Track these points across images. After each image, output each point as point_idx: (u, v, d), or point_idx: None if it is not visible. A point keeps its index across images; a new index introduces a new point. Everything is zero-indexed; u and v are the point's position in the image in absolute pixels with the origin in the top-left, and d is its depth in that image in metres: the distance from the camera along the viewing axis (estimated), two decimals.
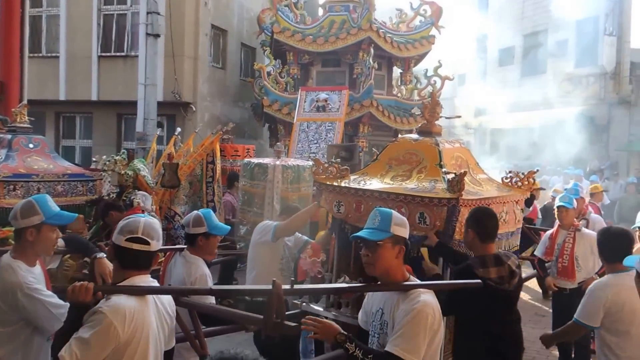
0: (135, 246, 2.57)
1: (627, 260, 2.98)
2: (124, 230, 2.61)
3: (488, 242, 3.58)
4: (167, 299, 2.78)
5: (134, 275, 2.61)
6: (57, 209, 3.24)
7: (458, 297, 3.39)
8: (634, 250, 3.91)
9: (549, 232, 6.25)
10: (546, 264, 6.18)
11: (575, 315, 3.79)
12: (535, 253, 6.35)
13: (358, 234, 2.85)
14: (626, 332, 3.60)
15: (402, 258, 2.80)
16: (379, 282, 2.87)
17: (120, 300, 2.47)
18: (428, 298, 2.70)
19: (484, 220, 3.60)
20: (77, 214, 3.78)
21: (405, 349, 2.57)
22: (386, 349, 2.63)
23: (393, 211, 2.89)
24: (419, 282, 2.87)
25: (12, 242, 4.41)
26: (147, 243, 2.59)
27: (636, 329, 3.58)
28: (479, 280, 3.16)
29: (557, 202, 6.14)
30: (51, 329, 2.94)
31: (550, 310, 8.22)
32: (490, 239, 3.59)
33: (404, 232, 2.81)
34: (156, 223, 2.71)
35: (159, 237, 2.67)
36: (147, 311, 2.55)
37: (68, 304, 3.03)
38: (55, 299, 3.03)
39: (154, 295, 2.66)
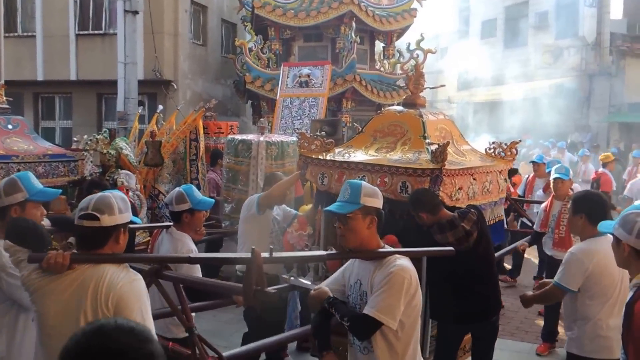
0: (86, 223, 2.40)
1: (602, 226, 3.00)
2: (78, 209, 2.49)
3: (438, 212, 3.74)
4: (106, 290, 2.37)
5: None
6: (41, 185, 3.21)
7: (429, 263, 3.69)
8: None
9: (543, 205, 6.28)
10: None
11: (555, 279, 3.77)
12: (534, 227, 6.34)
13: (329, 207, 2.90)
14: (602, 294, 3.62)
15: (376, 228, 2.82)
16: None
17: None
18: (404, 263, 2.74)
19: (423, 200, 3.78)
20: (60, 190, 3.72)
21: (381, 311, 2.62)
22: (363, 311, 2.68)
23: (363, 182, 2.91)
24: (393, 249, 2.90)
25: None
26: (96, 218, 2.39)
27: (611, 293, 3.60)
28: (451, 248, 3.21)
29: (553, 174, 6.18)
30: None
31: (533, 280, 8.40)
32: (437, 209, 3.75)
33: (376, 203, 2.82)
34: (118, 196, 2.53)
35: (118, 210, 2.44)
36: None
37: None
38: None
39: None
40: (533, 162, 8.53)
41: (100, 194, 2.50)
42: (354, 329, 2.76)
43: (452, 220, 3.66)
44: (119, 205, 2.46)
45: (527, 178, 8.60)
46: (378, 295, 2.66)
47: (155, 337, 1.43)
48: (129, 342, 1.31)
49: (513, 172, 8.25)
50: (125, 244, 2.55)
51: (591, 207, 3.71)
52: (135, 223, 2.97)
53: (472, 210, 3.81)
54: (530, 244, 6.66)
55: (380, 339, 2.69)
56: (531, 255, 8.70)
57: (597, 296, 3.62)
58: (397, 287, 2.65)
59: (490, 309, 4.00)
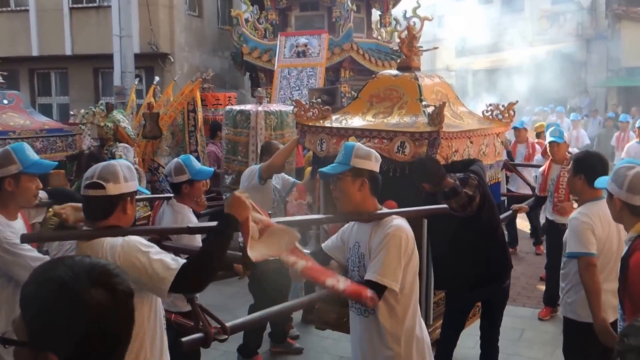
0: (91, 192, 2.38)
1: (599, 182, 2.99)
2: (84, 179, 2.45)
3: (441, 182, 3.67)
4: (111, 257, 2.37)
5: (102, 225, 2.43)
6: (36, 157, 3.11)
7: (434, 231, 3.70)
8: None
9: (541, 169, 6.23)
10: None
11: (570, 250, 3.53)
12: (535, 192, 6.25)
13: (322, 169, 2.90)
14: (602, 259, 3.48)
15: (369, 190, 2.78)
16: None
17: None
18: (400, 222, 2.74)
19: (428, 171, 3.71)
20: (56, 162, 3.66)
21: (383, 274, 2.62)
22: (365, 277, 2.68)
23: (358, 144, 2.89)
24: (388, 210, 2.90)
25: None
26: (102, 187, 2.37)
27: (610, 257, 3.50)
28: (445, 205, 3.23)
29: (548, 138, 6.12)
30: None
31: (533, 246, 8.46)
32: (442, 180, 3.68)
33: (368, 165, 2.77)
34: (123, 165, 2.49)
35: (123, 178, 2.42)
36: None
37: (47, 257, 3.00)
38: (34, 253, 2.95)
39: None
40: (514, 127, 8.29)
41: (105, 162, 2.47)
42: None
43: (454, 188, 3.63)
44: (125, 174, 2.43)
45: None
46: (377, 258, 2.66)
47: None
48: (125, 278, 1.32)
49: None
50: (133, 214, 2.53)
51: (591, 167, 3.56)
52: (142, 193, 2.94)
53: (471, 175, 3.79)
54: (532, 208, 6.61)
55: (381, 302, 2.67)
56: (521, 226, 8.74)
57: (600, 263, 3.49)
58: (395, 248, 2.65)
59: (503, 271, 4.00)
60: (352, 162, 2.75)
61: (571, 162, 3.87)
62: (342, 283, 2.58)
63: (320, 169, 2.94)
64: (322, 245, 3.07)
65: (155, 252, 2.35)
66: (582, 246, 3.46)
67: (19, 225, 3.07)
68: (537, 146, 8.35)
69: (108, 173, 2.39)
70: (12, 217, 3.04)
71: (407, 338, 2.74)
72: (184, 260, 2.34)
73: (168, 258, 2.33)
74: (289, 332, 5.46)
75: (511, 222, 7.63)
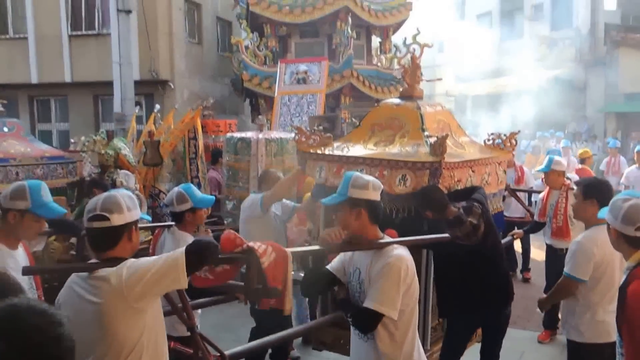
0: (96, 224, 2.40)
1: (601, 213, 3.05)
2: (86, 212, 2.45)
3: (445, 211, 3.65)
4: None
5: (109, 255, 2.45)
6: (49, 199, 3.11)
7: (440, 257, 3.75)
8: None
9: (541, 195, 6.31)
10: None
11: (566, 270, 3.77)
12: (534, 217, 6.36)
13: (323, 200, 3.00)
14: (606, 283, 3.66)
15: (368, 219, 2.83)
16: None
17: None
18: (401, 252, 2.79)
19: (431, 199, 3.68)
20: (65, 211, 3.65)
21: (381, 302, 2.68)
22: (364, 304, 2.74)
23: (356, 173, 2.92)
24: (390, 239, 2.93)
25: None
26: (106, 219, 2.39)
27: (613, 281, 3.62)
28: (447, 235, 3.24)
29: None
30: None
31: (533, 269, 8.44)
32: (445, 208, 3.65)
33: (365, 194, 2.82)
34: (125, 195, 2.52)
35: (126, 208, 2.44)
36: None
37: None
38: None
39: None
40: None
41: (106, 193, 2.49)
42: (357, 323, 2.84)
43: (458, 216, 3.64)
44: (127, 204, 2.46)
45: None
46: (376, 287, 2.72)
47: (66, 320, 1.46)
48: (38, 324, 1.38)
49: None
50: (138, 241, 2.55)
51: (602, 192, 3.73)
52: (143, 219, 2.96)
53: (475, 204, 3.81)
54: (529, 233, 6.70)
55: (381, 329, 2.76)
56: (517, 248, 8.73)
57: (602, 284, 3.65)
58: (394, 277, 2.70)
59: (505, 298, 4.02)
60: (349, 192, 2.82)
61: (580, 187, 3.95)
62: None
63: (322, 200, 3.02)
64: (327, 266, 3.09)
65: (150, 259, 2.39)
66: (577, 271, 3.71)
67: (20, 254, 3.10)
68: (525, 169, 8.37)
69: (111, 204, 2.41)
70: (13, 247, 3.07)
71: None
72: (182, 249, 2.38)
73: (164, 256, 2.38)
74: (290, 354, 5.46)
75: (509, 247, 7.63)
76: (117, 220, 2.40)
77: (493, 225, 3.93)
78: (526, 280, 8.14)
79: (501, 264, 4.05)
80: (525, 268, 8.29)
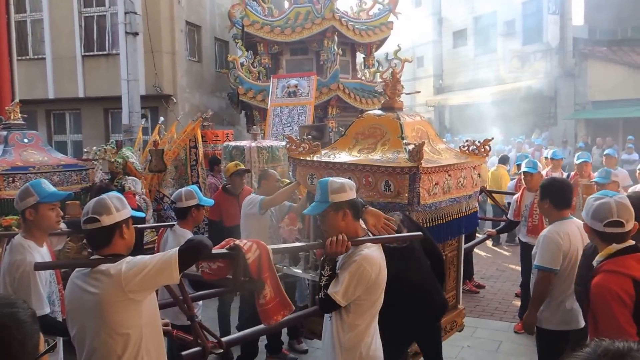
0: (89, 226, 2.45)
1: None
2: (82, 216, 2.52)
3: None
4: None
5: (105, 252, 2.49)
6: (52, 189, 3.30)
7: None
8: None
9: (515, 196, 6.38)
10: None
11: (537, 263, 3.72)
12: (508, 216, 6.41)
13: (305, 210, 3.04)
14: (571, 273, 3.56)
15: (352, 217, 2.89)
16: None
17: None
18: (368, 252, 2.84)
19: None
20: (69, 193, 3.80)
21: (335, 291, 2.79)
22: (327, 291, 2.84)
23: (330, 179, 2.95)
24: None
25: (15, 229, 4.45)
26: (96, 220, 2.43)
27: (572, 269, 3.59)
28: (420, 233, 3.22)
29: (522, 168, 6.32)
30: (38, 310, 2.93)
31: (509, 265, 8.56)
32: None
33: (345, 196, 2.87)
34: (113, 197, 2.54)
35: (115, 209, 2.47)
36: None
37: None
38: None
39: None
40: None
41: (97, 198, 2.53)
42: (320, 305, 2.92)
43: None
44: (115, 205, 2.49)
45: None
46: (337, 278, 2.83)
47: (25, 304, 1.47)
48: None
49: None
50: (131, 237, 2.58)
51: (554, 192, 3.82)
52: (139, 217, 3.05)
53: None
54: (503, 231, 6.78)
55: (337, 313, 2.89)
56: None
57: (568, 275, 3.62)
58: (355, 273, 2.77)
59: (437, 311, 3.70)
60: (330, 198, 2.86)
61: (539, 188, 4.03)
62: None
63: (305, 211, 3.07)
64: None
65: (146, 257, 2.44)
66: (547, 261, 3.68)
67: (45, 251, 3.30)
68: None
69: (100, 207, 2.46)
70: (40, 244, 3.26)
71: (351, 348, 2.85)
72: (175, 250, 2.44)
73: (160, 254, 2.45)
74: (299, 346, 5.58)
75: (467, 255, 7.27)
76: (106, 220, 2.45)
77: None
78: (468, 290, 7.42)
79: (432, 276, 3.65)
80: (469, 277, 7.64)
